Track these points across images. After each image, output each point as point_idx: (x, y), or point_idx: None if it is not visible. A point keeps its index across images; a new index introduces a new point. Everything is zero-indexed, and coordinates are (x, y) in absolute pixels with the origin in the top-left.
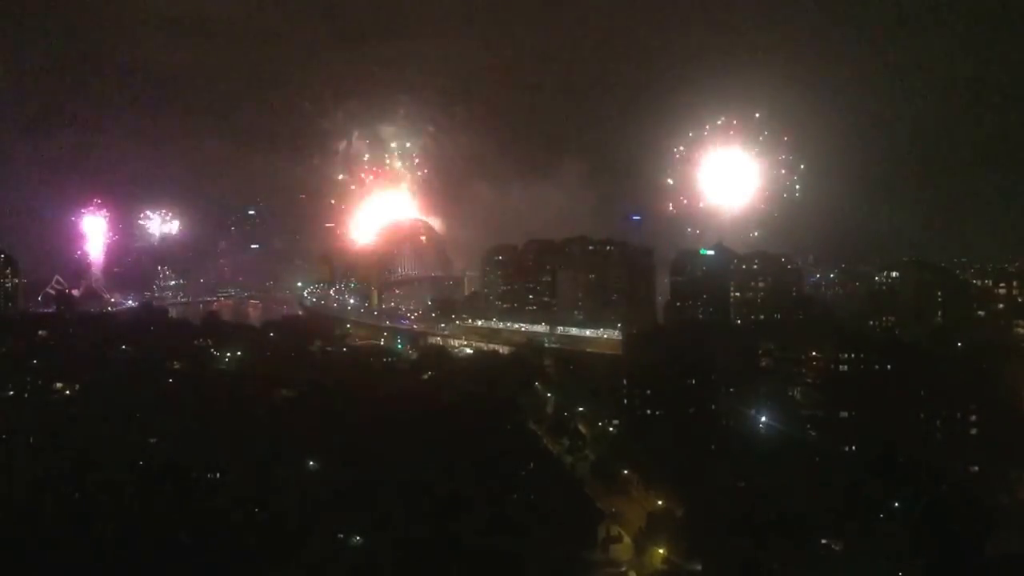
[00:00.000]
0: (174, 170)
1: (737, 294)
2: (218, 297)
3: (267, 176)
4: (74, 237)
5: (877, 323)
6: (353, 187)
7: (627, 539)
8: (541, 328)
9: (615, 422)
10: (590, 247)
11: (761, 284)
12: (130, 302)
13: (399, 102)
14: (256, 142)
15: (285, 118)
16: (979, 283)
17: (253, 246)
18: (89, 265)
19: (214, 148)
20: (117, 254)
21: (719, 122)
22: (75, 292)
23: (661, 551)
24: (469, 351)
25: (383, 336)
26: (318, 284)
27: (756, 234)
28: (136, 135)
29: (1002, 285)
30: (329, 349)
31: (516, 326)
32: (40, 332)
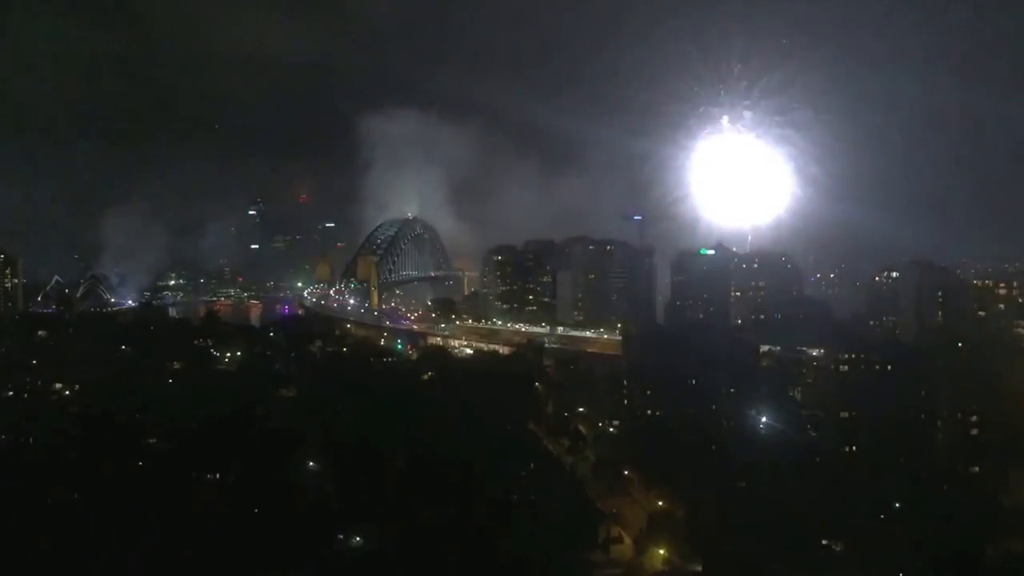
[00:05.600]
0: (178, 174)
1: (737, 294)
2: (218, 297)
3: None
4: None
5: (877, 323)
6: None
7: (627, 540)
8: (541, 328)
9: (615, 422)
10: (590, 247)
11: (761, 284)
12: (130, 302)
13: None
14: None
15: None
16: (979, 283)
17: (253, 246)
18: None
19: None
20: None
21: (722, 121)
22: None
23: (661, 552)
24: (469, 351)
25: (383, 336)
26: (318, 284)
27: (751, 238)
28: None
29: (1002, 285)
30: (329, 349)
31: (516, 326)
32: (40, 332)
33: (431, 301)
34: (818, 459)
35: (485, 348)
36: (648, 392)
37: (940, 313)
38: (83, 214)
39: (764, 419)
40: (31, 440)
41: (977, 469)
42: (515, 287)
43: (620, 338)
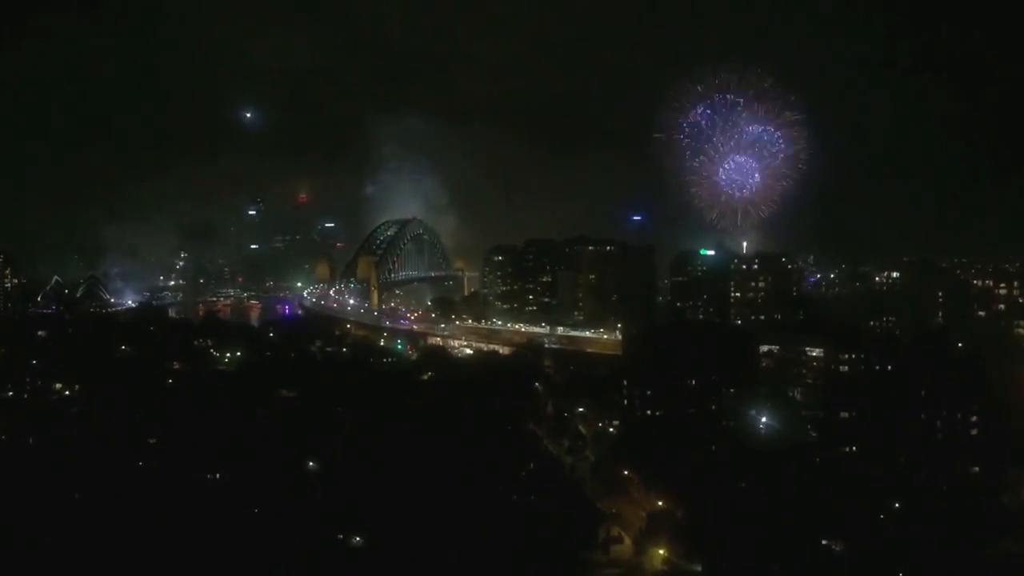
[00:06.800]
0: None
1: (737, 294)
2: (218, 297)
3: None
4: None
5: (877, 323)
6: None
7: (627, 540)
8: (541, 328)
9: (615, 422)
10: (590, 247)
11: (761, 284)
12: (130, 302)
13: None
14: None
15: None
16: (979, 283)
17: (253, 246)
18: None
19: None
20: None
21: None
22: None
23: (661, 552)
24: (469, 351)
25: (383, 336)
26: (318, 284)
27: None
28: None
29: (1002, 285)
30: (329, 349)
31: (516, 326)
32: (40, 332)
33: (431, 301)
34: (818, 459)
35: (485, 348)
36: (648, 392)
37: (940, 313)
38: (83, 214)
39: (764, 419)
40: (31, 440)
41: (977, 469)
42: (515, 287)
43: (620, 338)
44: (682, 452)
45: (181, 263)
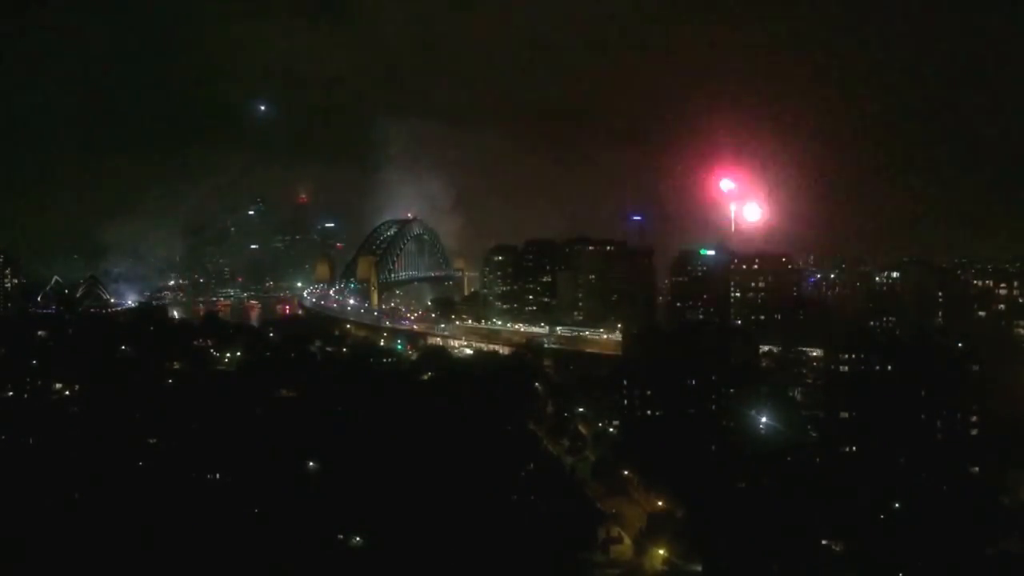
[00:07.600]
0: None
1: (737, 294)
2: (218, 297)
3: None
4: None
5: (877, 323)
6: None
7: (627, 540)
8: (541, 328)
9: (615, 422)
10: (590, 247)
11: (761, 284)
12: (130, 302)
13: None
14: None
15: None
16: (979, 283)
17: (253, 246)
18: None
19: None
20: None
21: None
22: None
23: (661, 552)
24: (469, 351)
25: (383, 336)
26: (318, 284)
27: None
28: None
29: (1002, 285)
30: (329, 349)
31: (516, 326)
32: (40, 332)
33: (431, 301)
34: (818, 459)
35: (485, 348)
36: (648, 392)
37: (940, 313)
38: (83, 215)
39: (764, 419)
40: (31, 440)
41: (977, 469)
42: (515, 287)
43: (620, 338)
44: (682, 452)
45: (181, 263)
